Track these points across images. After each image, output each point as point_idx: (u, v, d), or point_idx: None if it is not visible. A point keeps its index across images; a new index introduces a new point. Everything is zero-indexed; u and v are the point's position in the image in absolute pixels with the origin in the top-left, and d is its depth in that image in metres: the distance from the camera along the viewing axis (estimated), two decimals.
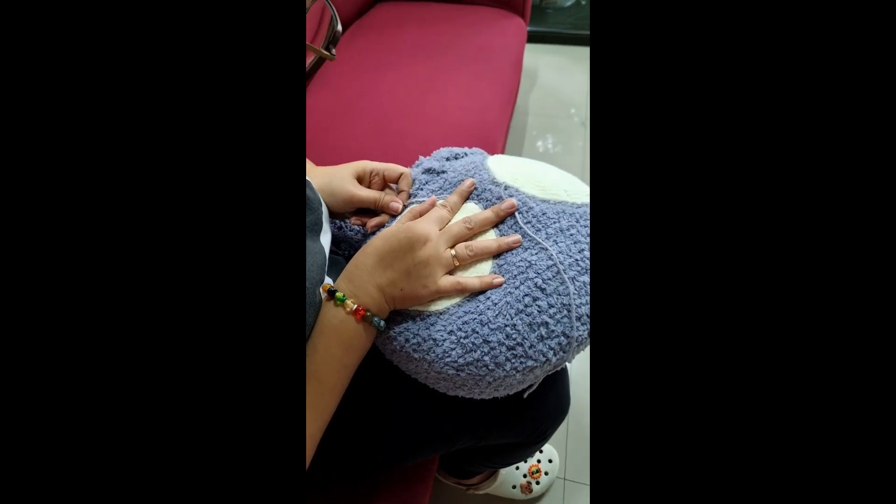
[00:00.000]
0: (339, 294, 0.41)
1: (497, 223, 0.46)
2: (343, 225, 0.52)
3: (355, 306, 0.41)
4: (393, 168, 0.52)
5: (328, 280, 0.46)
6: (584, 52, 1.83)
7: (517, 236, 0.44)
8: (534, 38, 1.86)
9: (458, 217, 0.47)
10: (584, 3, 2.02)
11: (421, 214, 0.46)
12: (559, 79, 1.74)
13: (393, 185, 0.53)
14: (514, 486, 0.86)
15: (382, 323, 0.43)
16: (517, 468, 0.86)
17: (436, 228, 0.44)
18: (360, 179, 0.53)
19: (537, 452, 0.89)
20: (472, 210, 0.46)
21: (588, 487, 0.89)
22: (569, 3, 2.02)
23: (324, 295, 0.43)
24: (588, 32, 1.85)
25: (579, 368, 1.03)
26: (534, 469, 0.87)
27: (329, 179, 0.52)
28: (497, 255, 0.44)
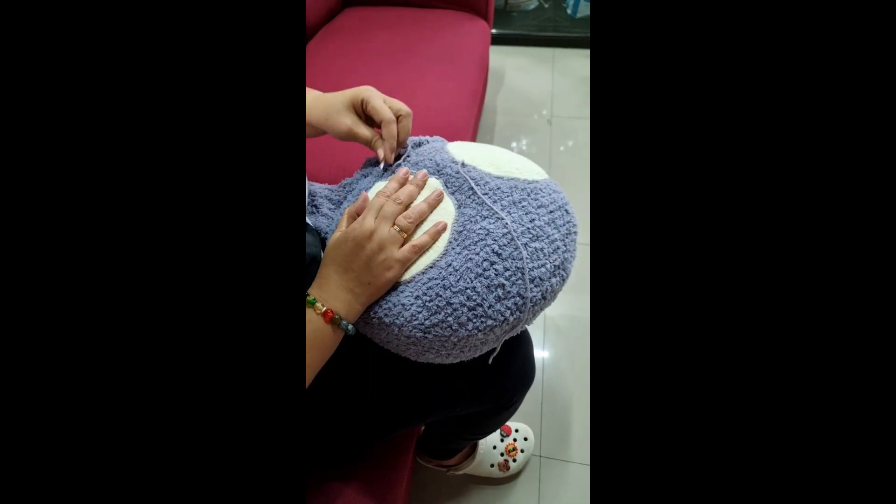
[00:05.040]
0: (309, 297, 0.44)
1: (421, 189, 0.49)
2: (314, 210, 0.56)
3: (324, 308, 0.43)
4: (379, 111, 0.50)
5: None
6: (548, 53, 1.92)
7: (439, 190, 0.49)
8: (500, 40, 1.93)
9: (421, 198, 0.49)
10: (546, 6, 2.10)
11: (358, 212, 0.49)
12: (525, 79, 1.82)
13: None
14: (491, 465, 0.89)
15: (350, 327, 0.45)
16: (494, 447, 0.90)
17: (372, 219, 0.46)
18: (356, 109, 0.52)
19: (513, 431, 0.93)
20: (433, 185, 0.50)
21: (561, 462, 0.93)
22: (532, 7, 2.10)
23: None
24: (551, 34, 1.95)
25: (553, 353, 1.08)
26: (510, 447, 0.90)
27: (326, 113, 0.52)
28: (430, 211, 0.48)
